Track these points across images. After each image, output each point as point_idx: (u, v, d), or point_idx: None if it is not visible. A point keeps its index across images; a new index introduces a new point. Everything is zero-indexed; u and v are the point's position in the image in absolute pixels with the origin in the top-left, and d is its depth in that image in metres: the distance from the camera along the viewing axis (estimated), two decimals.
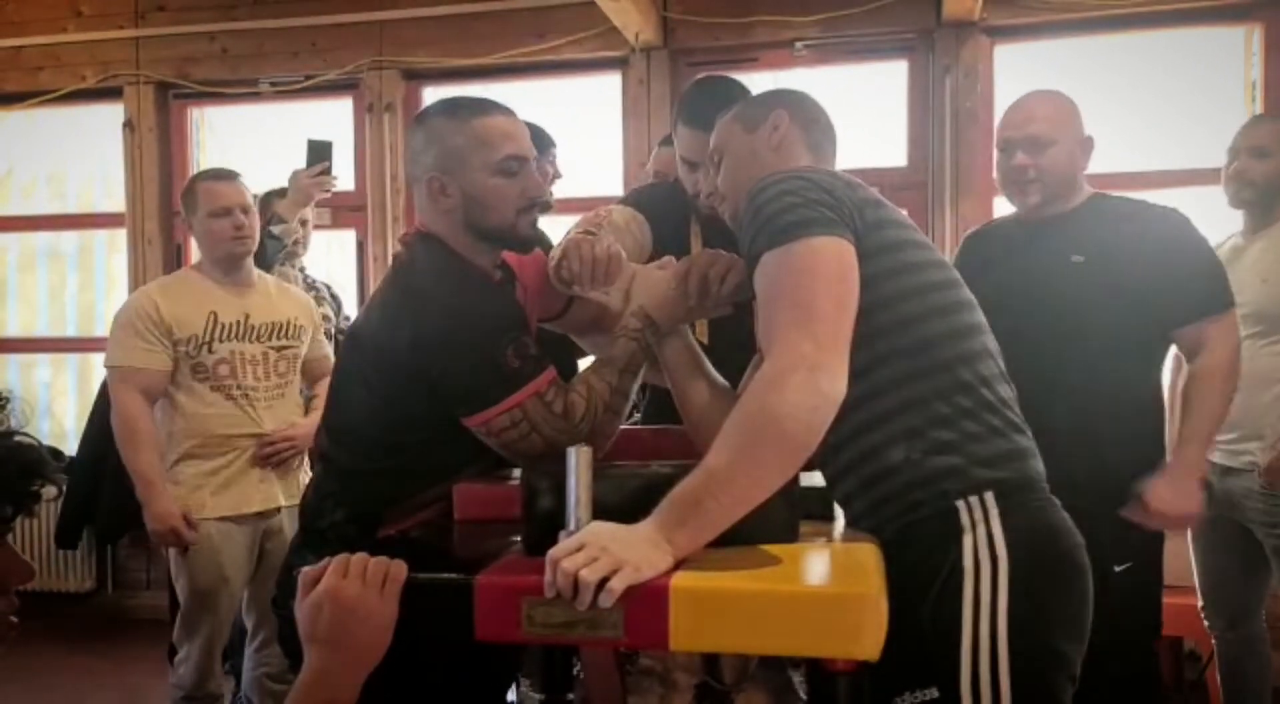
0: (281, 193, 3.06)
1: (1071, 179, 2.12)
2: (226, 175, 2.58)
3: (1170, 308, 2.02)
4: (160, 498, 2.42)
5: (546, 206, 2.95)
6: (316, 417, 2.71)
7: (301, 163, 2.93)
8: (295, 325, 2.64)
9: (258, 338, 2.56)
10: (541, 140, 2.84)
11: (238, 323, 2.53)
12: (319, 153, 2.90)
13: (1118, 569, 1.87)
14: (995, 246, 2.18)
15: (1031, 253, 2.09)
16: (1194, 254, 2.05)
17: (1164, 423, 2.14)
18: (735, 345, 1.63)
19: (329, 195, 2.99)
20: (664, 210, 2.00)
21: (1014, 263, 2.08)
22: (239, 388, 2.52)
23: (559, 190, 2.89)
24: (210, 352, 2.49)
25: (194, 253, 4.36)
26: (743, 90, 1.96)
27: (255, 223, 2.58)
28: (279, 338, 2.60)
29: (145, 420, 2.45)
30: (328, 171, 2.91)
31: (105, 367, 2.52)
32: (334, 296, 3.32)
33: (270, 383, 2.57)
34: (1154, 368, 2.12)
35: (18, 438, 1.05)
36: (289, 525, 2.59)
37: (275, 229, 2.87)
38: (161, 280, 2.67)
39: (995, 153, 2.20)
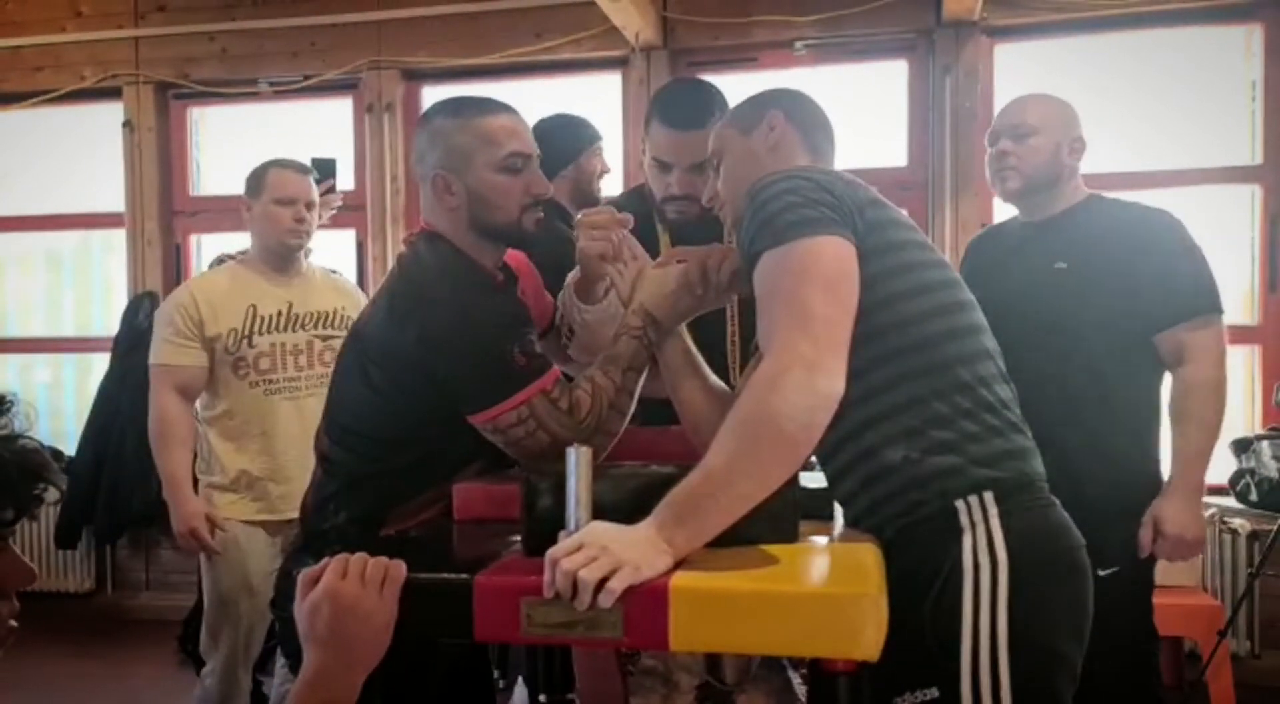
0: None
1: (1054, 174, 2.12)
2: (299, 167, 2.55)
3: (1151, 311, 2.01)
4: (185, 499, 2.40)
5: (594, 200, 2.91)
6: None
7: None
8: (342, 315, 2.57)
9: (301, 326, 2.51)
10: (588, 133, 2.82)
11: (279, 313, 2.49)
12: (324, 170, 2.87)
13: (1102, 573, 1.86)
14: (996, 251, 2.18)
15: (1018, 260, 2.11)
16: (1179, 257, 2.03)
17: (1156, 428, 2.11)
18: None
19: (335, 212, 2.98)
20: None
21: (1003, 270, 2.08)
22: (280, 381, 2.47)
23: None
24: (250, 345, 2.45)
25: (193, 255, 4.40)
26: (719, 93, 1.96)
27: (315, 220, 2.55)
28: (325, 327, 2.55)
29: (179, 420, 2.43)
30: (333, 189, 2.89)
31: (149, 364, 2.49)
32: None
33: (315, 372, 2.51)
34: (1143, 372, 2.08)
35: (22, 441, 1.05)
36: None
37: None
38: (204, 274, 2.62)
39: (986, 149, 2.23)
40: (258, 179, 2.52)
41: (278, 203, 2.48)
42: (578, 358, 1.73)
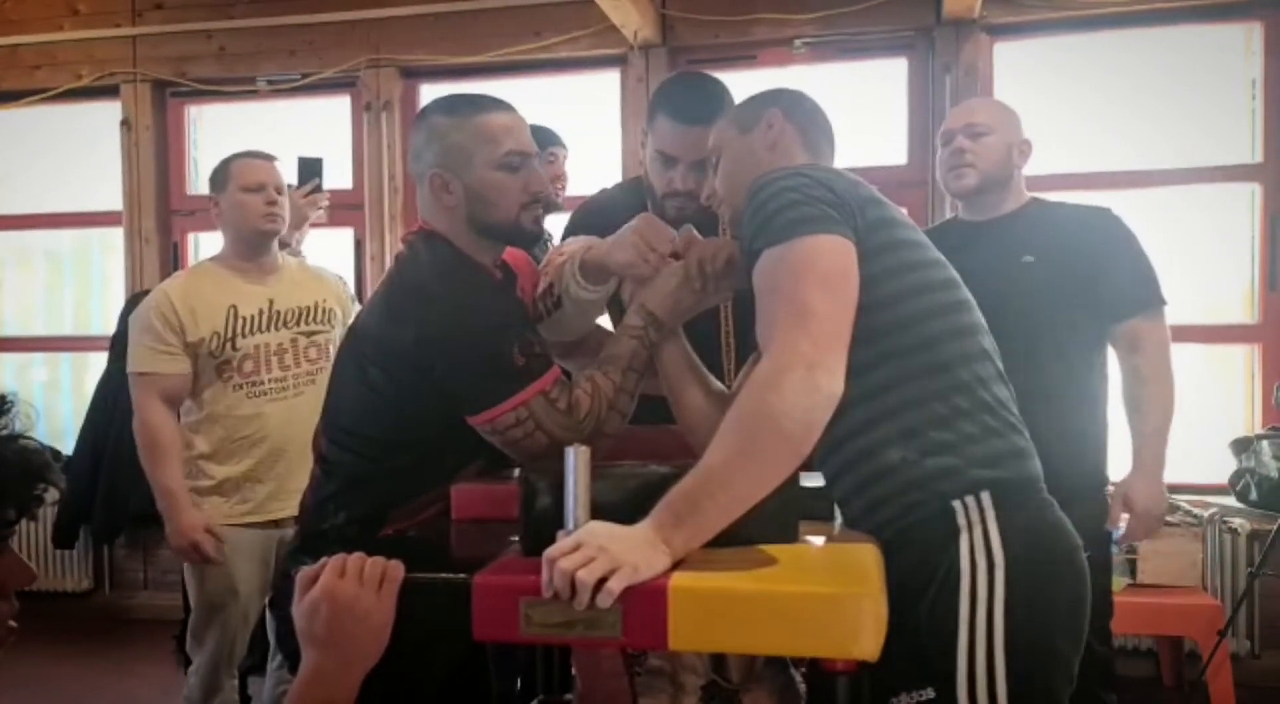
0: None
1: (1007, 175, 2.25)
2: (262, 155, 2.50)
3: (1108, 305, 2.15)
4: (183, 511, 2.33)
5: (552, 205, 2.91)
6: None
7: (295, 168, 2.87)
8: (324, 308, 2.51)
9: (283, 324, 2.44)
10: (546, 139, 2.80)
11: (260, 312, 2.42)
12: (310, 170, 2.82)
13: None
14: (945, 248, 2.20)
15: (981, 253, 2.13)
16: (1132, 252, 2.18)
17: (1105, 419, 2.23)
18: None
19: (322, 212, 2.92)
20: (625, 211, 1.95)
21: (963, 262, 2.10)
22: (266, 383, 2.41)
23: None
24: (234, 348, 2.37)
25: (190, 252, 4.39)
26: (725, 88, 1.92)
27: (287, 205, 2.49)
28: (306, 323, 2.47)
29: (168, 430, 2.35)
30: (319, 189, 2.82)
31: (128, 372, 2.40)
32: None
33: (301, 370, 2.44)
34: (1096, 366, 2.21)
35: (22, 441, 1.05)
36: None
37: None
38: (177, 276, 2.53)
39: (939, 149, 2.31)
40: (221, 172, 2.46)
41: (246, 190, 2.41)
42: (549, 337, 1.69)
